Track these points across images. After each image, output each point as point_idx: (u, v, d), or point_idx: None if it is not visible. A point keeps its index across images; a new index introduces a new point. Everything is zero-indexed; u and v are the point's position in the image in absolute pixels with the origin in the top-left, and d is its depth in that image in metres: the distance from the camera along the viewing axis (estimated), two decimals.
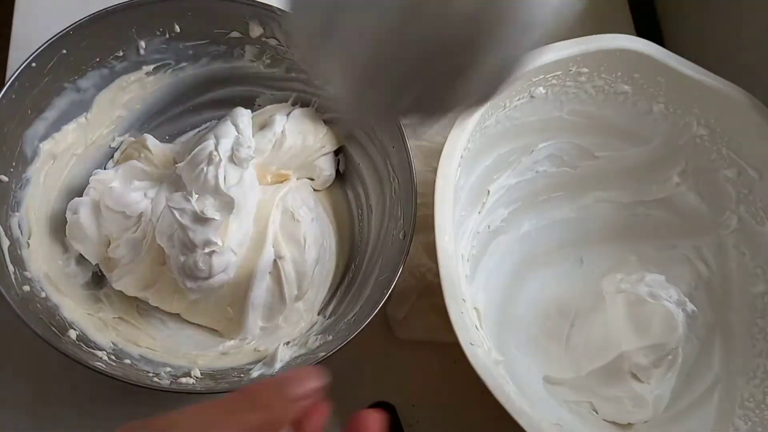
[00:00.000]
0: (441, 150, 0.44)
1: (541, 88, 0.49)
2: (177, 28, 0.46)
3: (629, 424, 0.49)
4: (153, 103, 0.50)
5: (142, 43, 0.46)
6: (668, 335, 0.48)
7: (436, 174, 0.43)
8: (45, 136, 0.44)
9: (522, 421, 0.38)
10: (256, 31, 0.47)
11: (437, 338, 0.49)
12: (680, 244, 0.55)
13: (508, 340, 0.51)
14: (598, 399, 0.50)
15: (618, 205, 0.56)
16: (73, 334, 0.41)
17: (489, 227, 0.53)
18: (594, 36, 0.48)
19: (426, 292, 0.50)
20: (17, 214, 0.42)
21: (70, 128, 0.45)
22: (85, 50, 0.44)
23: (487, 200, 0.52)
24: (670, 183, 0.54)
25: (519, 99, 0.49)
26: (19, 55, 0.53)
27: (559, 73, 0.48)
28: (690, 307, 0.50)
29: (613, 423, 0.49)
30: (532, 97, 0.49)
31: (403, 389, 0.49)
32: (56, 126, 0.45)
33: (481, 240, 0.52)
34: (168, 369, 0.42)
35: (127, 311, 0.46)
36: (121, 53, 0.46)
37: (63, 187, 0.46)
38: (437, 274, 0.41)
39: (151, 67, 0.48)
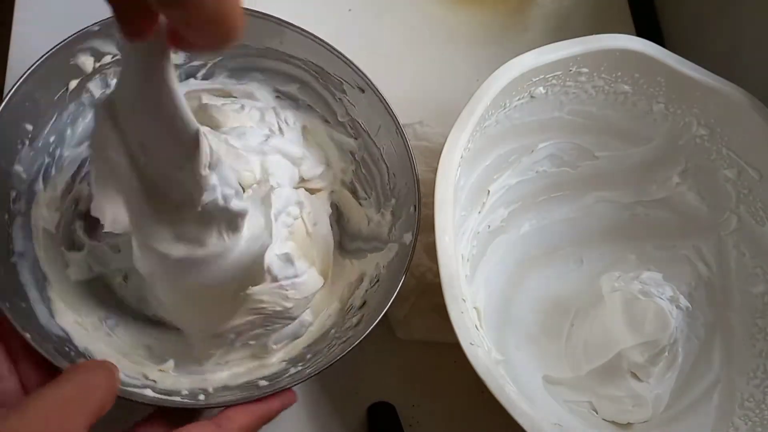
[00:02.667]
0: (441, 150, 0.44)
1: (541, 88, 0.49)
2: (28, 128, 0.42)
3: (629, 424, 0.49)
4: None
5: (13, 189, 0.42)
6: (661, 332, 0.48)
7: (436, 174, 0.43)
8: None
9: (522, 421, 0.38)
10: (87, 64, 0.44)
11: (437, 338, 0.49)
12: (680, 244, 0.55)
13: (508, 340, 0.51)
14: (598, 398, 0.50)
15: (618, 205, 0.56)
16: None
17: (489, 227, 0.53)
18: (594, 36, 0.48)
19: (426, 292, 0.50)
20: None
21: None
22: None
23: (487, 200, 0.52)
24: (670, 183, 0.54)
25: (519, 99, 0.49)
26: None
27: (559, 73, 0.48)
28: (684, 303, 0.50)
29: (613, 423, 0.49)
30: (532, 97, 0.49)
31: (403, 389, 0.49)
32: None
33: (481, 240, 0.52)
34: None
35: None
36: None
37: None
38: (437, 274, 0.41)
39: (43, 189, 0.44)
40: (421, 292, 0.50)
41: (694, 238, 0.54)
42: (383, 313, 0.41)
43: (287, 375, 0.42)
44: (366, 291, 0.46)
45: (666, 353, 0.49)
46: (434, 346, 0.50)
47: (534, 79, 0.48)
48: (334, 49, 0.46)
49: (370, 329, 0.41)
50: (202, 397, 0.41)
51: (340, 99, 0.48)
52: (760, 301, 0.51)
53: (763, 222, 0.50)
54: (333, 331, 0.45)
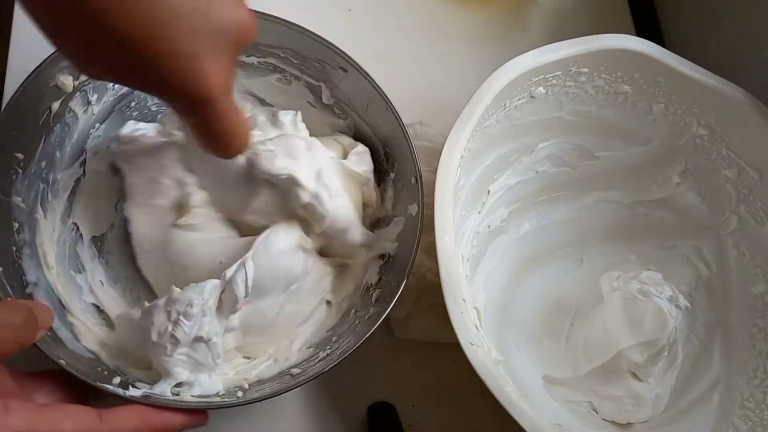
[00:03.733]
0: (441, 150, 0.44)
1: (541, 88, 0.49)
2: (19, 157, 0.41)
3: (629, 424, 0.49)
4: None
5: (15, 221, 0.41)
6: (660, 331, 0.49)
7: (436, 174, 0.43)
8: None
9: (522, 421, 0.38)
10: (67, 83, 0.43)
11: (437, 338, 0.49)
12: (680, 244, 0.55)
13: (508, 339, 0.51)
14: (598, 398, 0.50)
15: (618, 205, 0.56)
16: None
17: (489, 227, 0.53)
18: (594, 36, 0.48)
19: (426, 292, 0.50)
20: None
21: None
22: None
23: (487, 200, 0.52)
24: (670, 183, 0.54)
25: (519, 99, 0.49)
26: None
27: (559, 73, 0.48)
28: (683, 302, 0.50)
29: (613, 423, 0.49)
30: (532, 97, 0.49)
31: (403, 389, 0.49)
32: None
33: (481, 240, 0.52)
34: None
35: None
36: None
37: None
38: (437, 274, 0.41)
39: (43, 216, 0.43)
40: (421, 292, 0.50)
41: (694, 238, 0.54)
42: (387, 312, 0.41)
43: (318, 360, 0.43)
44: (379, 267, 0.46)
45: (665, 353, 0.49)
46: (434, 346, 0.50)
47: (534, 79, 0.48)
48: (312, 32, 0.46)
49: (372, 330, 0.41)
50: (240, 394, 0.41)
51: (323, 82, 0.49)
52: (760, 301, 0.51)
53: (763, 222, 0.50)
54: (353, 311, 0.45)
